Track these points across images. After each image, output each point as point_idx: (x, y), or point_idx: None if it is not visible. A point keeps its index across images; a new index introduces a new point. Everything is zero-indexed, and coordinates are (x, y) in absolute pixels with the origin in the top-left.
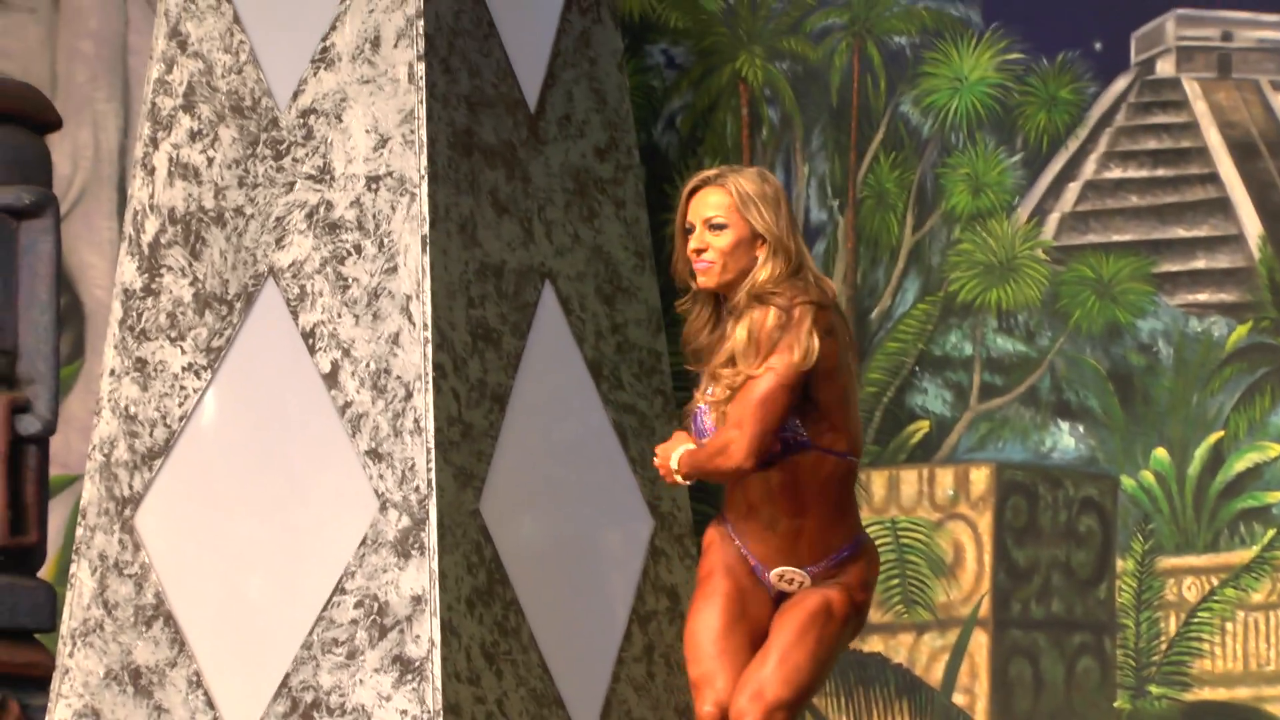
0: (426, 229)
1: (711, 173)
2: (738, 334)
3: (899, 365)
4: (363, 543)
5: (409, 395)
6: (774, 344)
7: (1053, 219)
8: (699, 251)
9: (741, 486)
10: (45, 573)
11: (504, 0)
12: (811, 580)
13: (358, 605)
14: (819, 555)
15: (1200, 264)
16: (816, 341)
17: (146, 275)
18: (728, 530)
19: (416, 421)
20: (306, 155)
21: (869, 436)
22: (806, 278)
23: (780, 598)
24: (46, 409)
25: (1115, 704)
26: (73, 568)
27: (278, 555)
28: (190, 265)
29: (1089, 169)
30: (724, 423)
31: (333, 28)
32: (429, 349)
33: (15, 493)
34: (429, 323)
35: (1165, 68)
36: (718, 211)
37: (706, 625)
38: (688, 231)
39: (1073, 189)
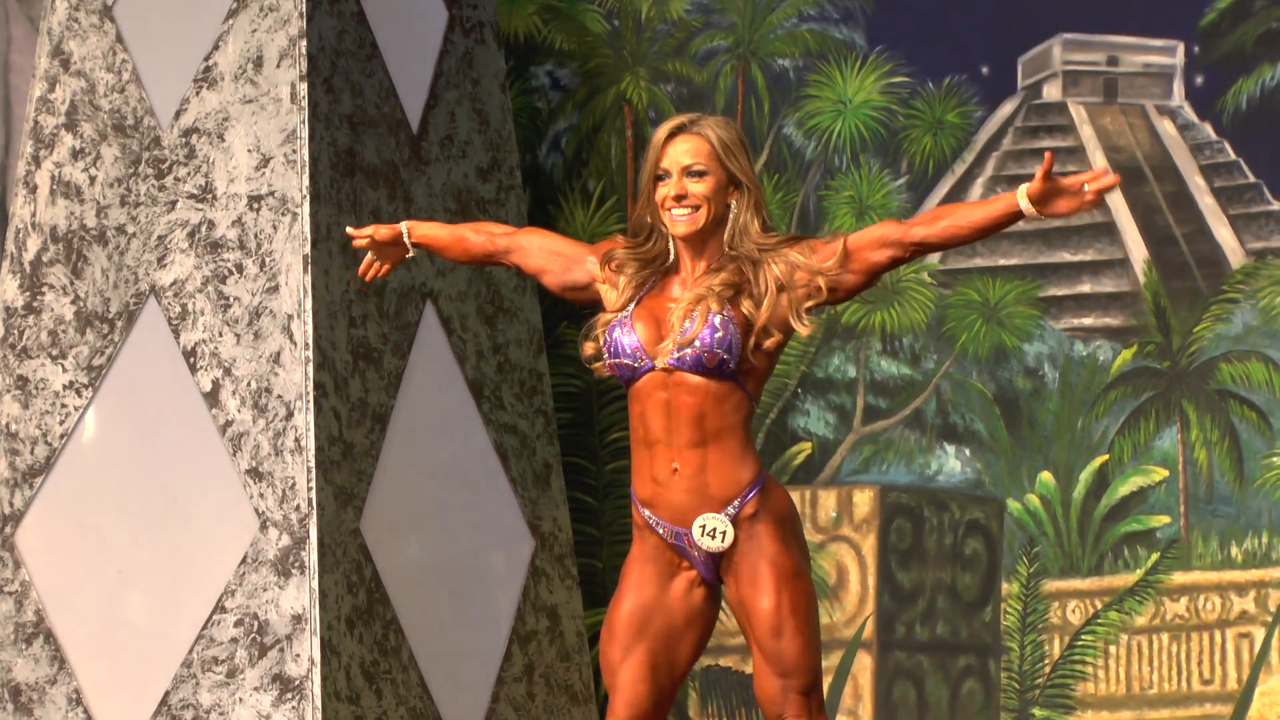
0: (308, 248)
1: (685, 119)
2: (794, 259)
3: (782, 387)
4: (243, 561)
5: (290, 414)
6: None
7: None
8: (679, 198)
9: (643, 422)
10: None
11: (387, 21)
12: (732, 528)
13: (238, 624)
14: (729, 492)
15: (1086, 288)
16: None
17: (28, 293)
18: (642, 517)
19: (297, 440)
20: (189, 174)
21: None
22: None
23: (715, 567)
24: None
25: None
26: None
27: (158, 573)
28: (72, 283)
29: (976, 193)
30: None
31: (215, 47)
32: (310, 368)
33: None
34: (310, 342)
35: (1052, 92)
36: (696, 159)
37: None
38: (658, 178)
39: None
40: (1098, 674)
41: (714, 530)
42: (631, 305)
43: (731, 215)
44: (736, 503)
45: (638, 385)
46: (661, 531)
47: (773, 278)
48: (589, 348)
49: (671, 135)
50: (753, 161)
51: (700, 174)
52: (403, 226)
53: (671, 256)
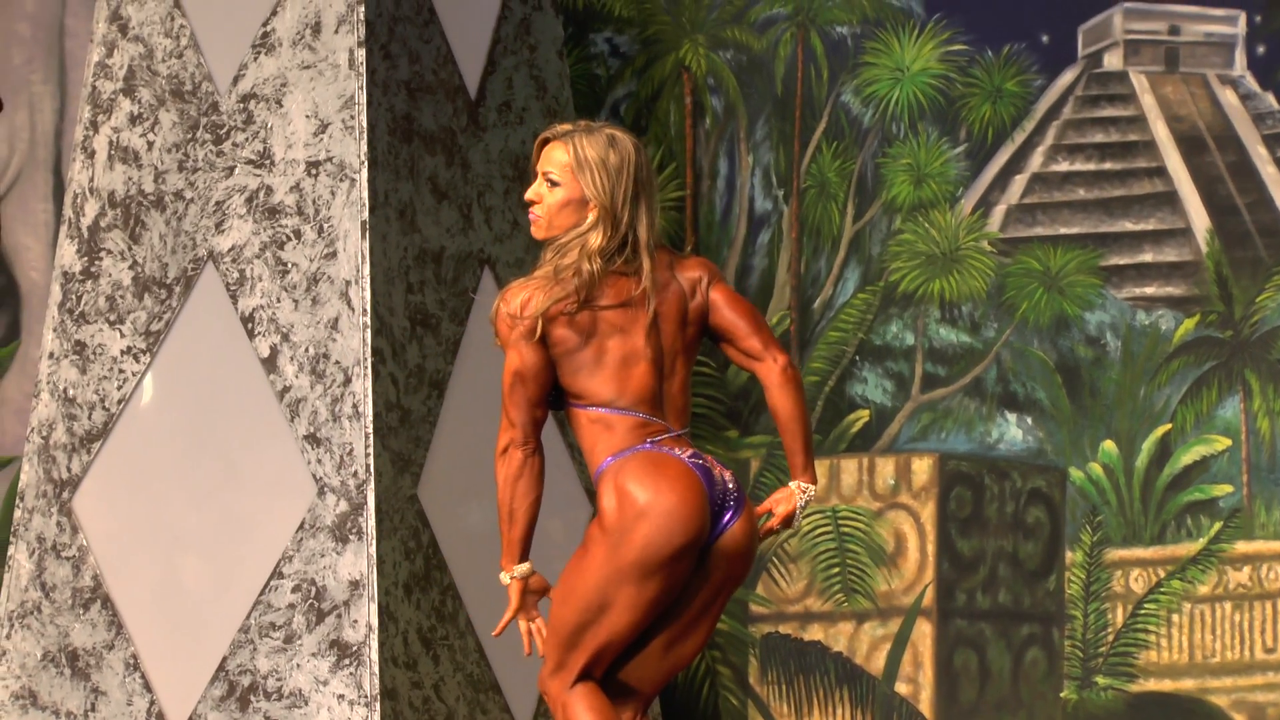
0: (366, 214)
1: (565, 128)
2: None
3: (839, 355)
4: (300, 527)
5: (348, 380)
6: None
7: (998, 211)
8: (532, 203)
9: None
10: None
11: None
12: None
13: (295, 589)
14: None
15: (1147, 257)
16: (513, 351)
17: (86, 258)
18: None
19: (355, 406)
20: (246, 140)
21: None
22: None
23: None
24: None
25: (1062, 694)
26: (11, 550)
27: (216, 539)
28: (130, 249)
29: (1036, 161)
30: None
31: (274, 13)
32: (368, 334)
33: None
34: (368, 308)
35: (1113, 61)
36: (555, 168)
37: None
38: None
39: (1019, 181)
40: (1160, 643)
41: None
42: None
43: (585, 228)
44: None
45: None
46: None
47: None
48: None
49: (547, 141)
50: (620, 181)
51: (555, 184)
52: (516, 581)
53: None
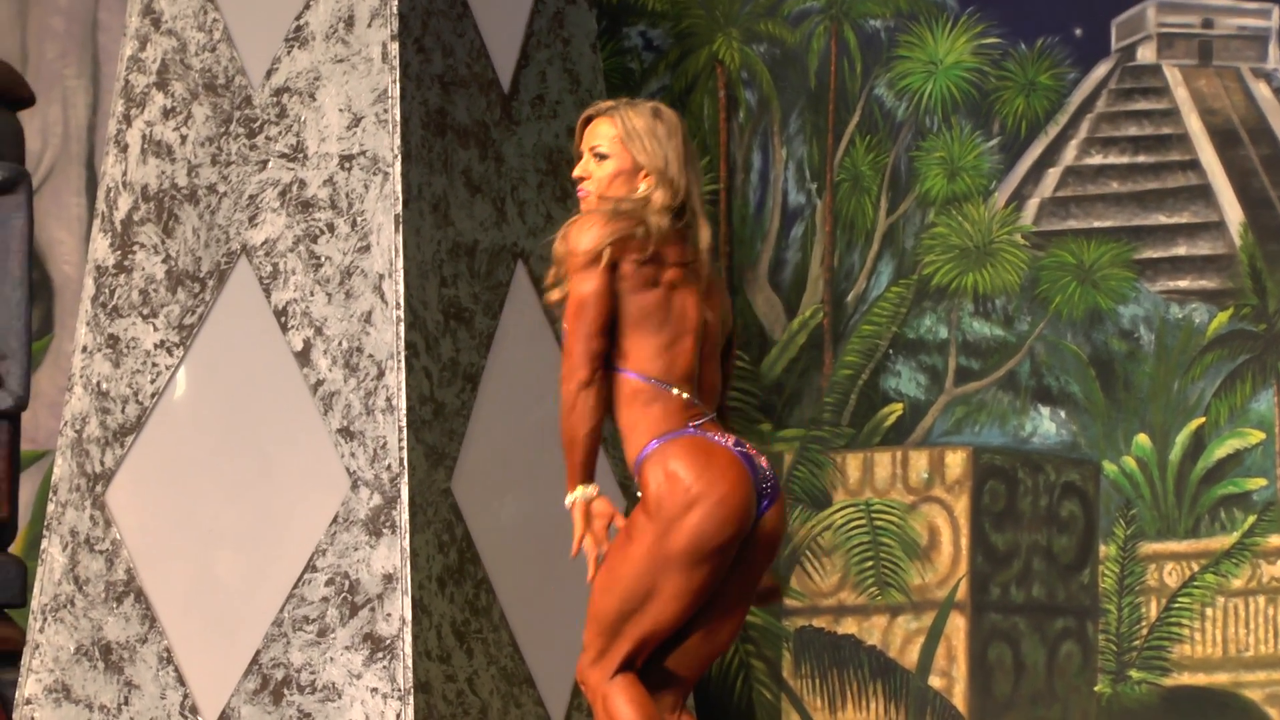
0: (399, 208)
1: (607, 104)
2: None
3: (873, 348)
4: (334, 521)
5: (381, 374)
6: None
7: (1032, 204)
8: (581, 179)
9: None
10: (14, 548)
11: None
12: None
13: (329, 583)
14: (631, 473)
15: (1181, 250)
16: (578, 277)
17: (119, 252)
18: None
19: (388, 400)
20: (280, 134)
21: (844, 419)
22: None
23: None
24: (18, 385)
25: (1096, 688)
26: (44, 543)
27: (249, 532)
28: (163, 243)
29: (1069, 155)
30: None
31: (306, 6)
32: (401, 328)
33: None
34: (401, 302)
35: (1146, 54)
36: (603, 141)
37: None
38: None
39: (1053, 174)
40: (1194, 636)
41: None
42: None
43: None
44: (635, 482)
45: None
46: None
47: None
48: None
49: (590, 119)
50: (672, 147)
51: (603, 157)
52: (580, 502)
53: None
